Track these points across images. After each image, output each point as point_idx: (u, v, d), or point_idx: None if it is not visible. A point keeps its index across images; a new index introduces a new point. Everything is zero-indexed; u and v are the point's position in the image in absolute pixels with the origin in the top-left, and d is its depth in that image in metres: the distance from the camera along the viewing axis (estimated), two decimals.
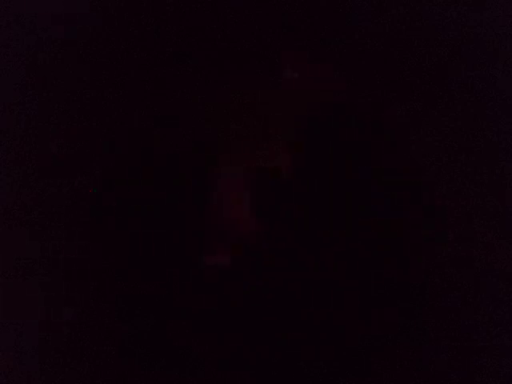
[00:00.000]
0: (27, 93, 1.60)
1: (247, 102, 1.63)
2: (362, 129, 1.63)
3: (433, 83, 1.62)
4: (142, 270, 1.54)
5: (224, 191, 1.58)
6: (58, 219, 1.56)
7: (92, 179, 1.57)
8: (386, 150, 1.62)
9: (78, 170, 1.58)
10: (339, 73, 1.66)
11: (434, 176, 1.60)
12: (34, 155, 1.58)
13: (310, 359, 1.51)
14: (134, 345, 1.51)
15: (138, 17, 1.62)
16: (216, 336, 1.51)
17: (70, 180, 1.57)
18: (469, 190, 1.58)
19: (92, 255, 1.55)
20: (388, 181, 1.60)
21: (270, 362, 1.51)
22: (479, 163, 1.59)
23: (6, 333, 1.51)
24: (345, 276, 1.55)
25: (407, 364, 1.52)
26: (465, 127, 1.61)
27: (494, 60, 1.60)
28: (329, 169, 1.62)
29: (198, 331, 1.51)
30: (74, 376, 1.50)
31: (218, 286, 1.53)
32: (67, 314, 1.52)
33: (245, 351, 1.51)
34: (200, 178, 1.58)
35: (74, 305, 1.53)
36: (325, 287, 1.54)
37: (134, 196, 1.57)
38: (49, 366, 1.50)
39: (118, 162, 1.59)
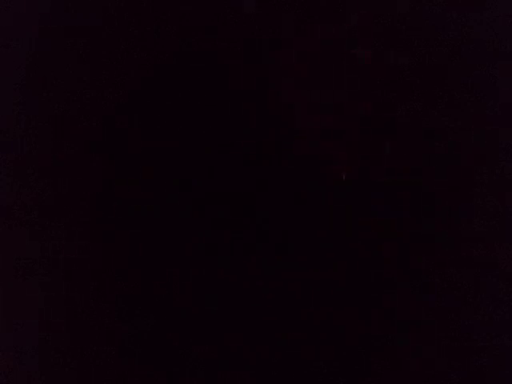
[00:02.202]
0: (27, 92, 1.60)
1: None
2: (361, 128, 1.64)
3: (433, 83, 1.63)
4: (141, 270, 1.54)
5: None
6: (58, 219, 1.56)
7: (92, 179, 1.58)
8: (386, 150, 1.62)
9: (78, 170, 1.58)
10: (339, 73, 1.66)
11: (434, 176, 1.60)
12: (34, 155, 1.59)
13: (310, 359, 1.51)
14: (134, 345, 1.51)
15: (138, 17, 1.63)
16: (216, 336, 1.51)
17: (70, 180, 1.57)
18: (469, 190, 1.58)
19: (92, 255, 1.55)
20: (388, 181, 1.60)
21: (270, 362, 1.51)
22: (479, 163, 1.59)
23: (5, 333, 1.51)
24: (345, 276, 1.55)
25: (407, 364, 1.52)
26: (465, 127, 1.61)
27: (494, 60, 1.60)
28: (327, 169, 1.62)
29: (198, 331, 1.51)
30: (74, 376, 1.50)
31: (218, 286, 1.54)
32: (67, 314, 1.52)
33: (245, 351, 1.51)
34: (201, 182, 1.58)
35: (74, 305, 1.53)
36: (324, 287, 1.54)
37: (134, 195, 1.57)
38: (49, 366, 1.51)
39: (119, 162, 1.59)
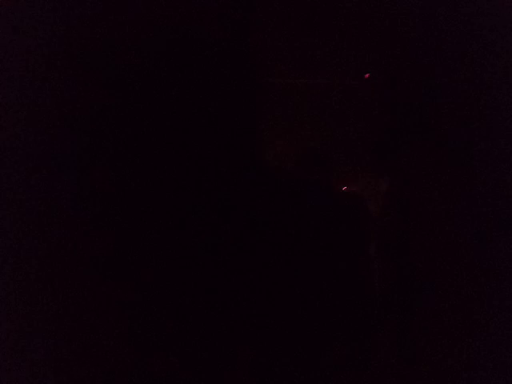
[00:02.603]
0: (27, 92, 1.60)
1: None
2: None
3: (433, 84, 1.63)
4: (142, 270, 1.54)
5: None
6: (59, 219, 1.56)
7: (93, 178, 1.58)
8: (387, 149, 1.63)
9: (80, 169, 1.58)
10: (339, 72, 1.67)
11: (434, 175, 1.61)
12: (35, 155, 1.58)
13: (310, 359, 1.52)
14: (134, 345, 1.51)
15: (139, 17, 1.63)
16: (216, 336, 1.52)
17: (70, 180, 1.57)
18: (469, 190, 1.59)
19: (92, 255, 1.55)
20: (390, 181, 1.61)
21: (270, 362, 1.52)
22: (479, 163, 1.59)
23: (5, 333, 1.51)
24: (345, 275, 1.56)
25: (407, 364, 1.53)
26: (465, 127, 1.61)
27: (493, 60, 1.61)
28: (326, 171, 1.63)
29: (198, 331, 1.52)
30: (75, 376, 1.50)
31: (218, 286, 1.54)
32: (67, 314, 1.52)
33: (244, 351, 1.51)
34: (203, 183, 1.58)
35: (74, 305, 1.53)
36: (324, 286, 1.54)
37: (135, 196, 1.57)
38: (49, 366, 1.50)
39: (119, 162, 1.59)
